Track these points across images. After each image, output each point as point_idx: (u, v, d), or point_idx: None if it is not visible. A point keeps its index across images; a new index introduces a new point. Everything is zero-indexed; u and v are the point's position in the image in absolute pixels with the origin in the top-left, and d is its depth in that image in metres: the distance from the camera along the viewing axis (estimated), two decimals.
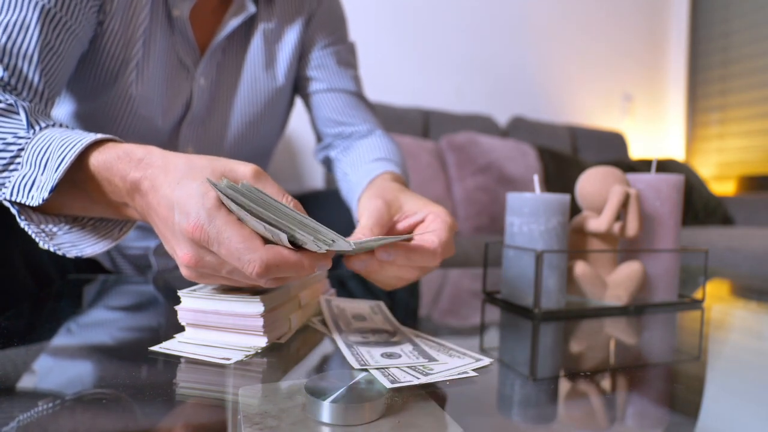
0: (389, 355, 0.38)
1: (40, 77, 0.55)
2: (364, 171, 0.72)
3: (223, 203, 0.35)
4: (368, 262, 0.42)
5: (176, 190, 0.36)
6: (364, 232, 0.45)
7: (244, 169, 0.38)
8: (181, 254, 0.36)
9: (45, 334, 0.45)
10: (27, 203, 0.44)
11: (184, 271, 0.38)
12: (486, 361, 0.38)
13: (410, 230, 0.49)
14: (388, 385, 0.31)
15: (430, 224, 0.48)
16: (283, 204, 0.35)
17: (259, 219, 0.34)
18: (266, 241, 0.35)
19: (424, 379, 0.33)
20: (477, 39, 2.56)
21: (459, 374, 0.35)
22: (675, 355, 0.46)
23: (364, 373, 0.33)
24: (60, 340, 0.44)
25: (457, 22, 2.50)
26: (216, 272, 0.37)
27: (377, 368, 0.35)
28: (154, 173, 0.39)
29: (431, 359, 0.38)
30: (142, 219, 0.44)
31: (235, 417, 0.28)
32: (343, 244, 0.35)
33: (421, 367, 0.36)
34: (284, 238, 0.34)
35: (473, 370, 0.36)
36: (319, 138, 0.88)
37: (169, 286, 0.67)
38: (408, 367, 0.35)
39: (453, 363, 0.37)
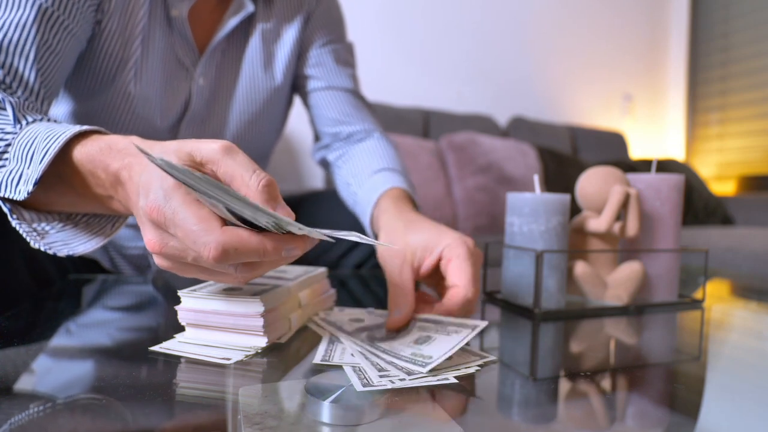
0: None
1: (36, 76, 0.55)
2: (370, 185, 0.72)
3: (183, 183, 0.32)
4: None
5: (143, 175, 0.35)
6: (406, 314, 0.46)
7: (211, 146, 0.34)
8: (146, 240, 0.35)
9: (45, 334, 0.45)
10: (14, 198, 0.44)
11: (156, 259, 0.36)
12: (476, 364, 0.38)
13: (431, 271, 0.50)
14: (359, 388, 0.31)
15: (452, 274, 0.48)
16: (242, 196, 0.31)
17: (206, 196, 0.30)
18: (226, 223, 0.32)
19: (399, 384, 0.32)
20: (477, 39, 2.56)
21: (438, 381, 0.34)
22: (675, 355, 0.46)
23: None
24: (60, 340, 0.44)
25: (457, 23, 2.50)
26: (182, 259, 0.34)
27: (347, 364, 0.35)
28: (131, 163, 0.38)
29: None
30: (126, 211, 0.43)
31: (235, 417, 0.28)
32: (314, 232, 0.32)
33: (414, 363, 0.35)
34: (223, 209, 0.30)
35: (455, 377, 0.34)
36: (317, 137, 0.88)
37: (169, 286, 0.67)
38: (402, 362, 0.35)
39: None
